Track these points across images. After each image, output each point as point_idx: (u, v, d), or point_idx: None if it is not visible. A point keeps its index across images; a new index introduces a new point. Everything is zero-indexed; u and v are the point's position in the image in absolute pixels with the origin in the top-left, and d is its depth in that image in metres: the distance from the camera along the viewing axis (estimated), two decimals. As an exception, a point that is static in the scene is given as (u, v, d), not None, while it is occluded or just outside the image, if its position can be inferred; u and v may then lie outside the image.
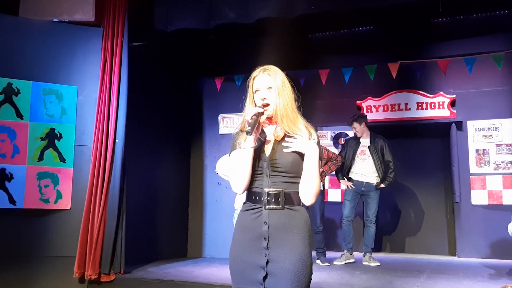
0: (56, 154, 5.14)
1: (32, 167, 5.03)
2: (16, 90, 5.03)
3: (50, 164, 5.10)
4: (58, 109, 5.19)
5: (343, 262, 5.92)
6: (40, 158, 5.06)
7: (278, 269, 2.02)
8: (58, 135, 5.16)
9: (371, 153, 5.97)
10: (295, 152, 2.13)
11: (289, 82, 2.24)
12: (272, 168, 2.12)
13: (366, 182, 6.00)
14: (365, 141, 6.07)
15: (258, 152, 2.16)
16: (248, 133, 2.07)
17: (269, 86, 2.18)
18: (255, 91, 2.21)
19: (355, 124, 6.06)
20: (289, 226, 2.08)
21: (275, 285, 2.02)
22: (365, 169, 5.99)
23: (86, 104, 5.29)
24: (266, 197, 2.10)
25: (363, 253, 6.05)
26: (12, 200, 4.91)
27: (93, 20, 5.30)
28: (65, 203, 5.13)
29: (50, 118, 5.15)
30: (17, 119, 5.02)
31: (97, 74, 5.29)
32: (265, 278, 2.04)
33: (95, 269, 4.96)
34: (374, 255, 6.08)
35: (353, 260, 6.02)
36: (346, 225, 6.02)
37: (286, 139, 2.16)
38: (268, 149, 2.18)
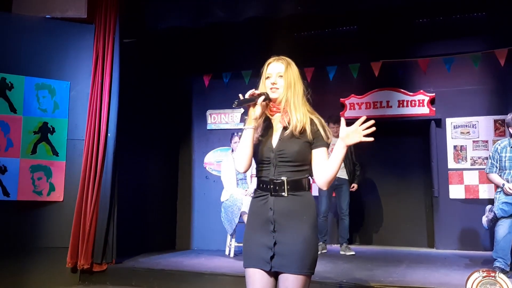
0: (49, 147, 5.26)
1: (25, 160, 5.15)
2: (9, 85, 5.14)
3: (43, 157, 5.22)
4: (51, 103, 5.31)
5: (319, 252, 6.23)
6: (33, 151, 5.18)
7: (284, 250, 2.18)
8: (51, 129, 5.28)
9: None
10: (302, 141, 2.26)
11: (301, 76, 2.36)
12: (279, 158, 2.25)
13: (338, 177, 6.32)
14: (333, 140, 6.37)
15: (266, 144, 2.30)
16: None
17: (281, 74, 2.30)
18: (267, 77, 2.33)
19: (338, 125, 6.38)
20: (293, 211, 2.23)
21: (281, 264, 2.18)
22: None
23: (79, 99, 5.41)
24: (271, 185, 2.25)
25: (339, 244, 6.42)
26: (5, 192, 5.02)
27: (85, 17, 5.44)
28: (58, 195, 5.26)
29: (43, 112, 5.27)
30: (11, 113, 5.13)
31: (89, 70, 5.42)
32: (272, 257, 2.20)
33: (88, 259, 5.11)
34: (357, 247, 6.37)
35: (326, 251, 6.41)
36: (322, 220, 6.39)
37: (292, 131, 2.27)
38: (275, 141, 2.30)
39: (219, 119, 7.11)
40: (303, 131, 2.27)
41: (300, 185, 2.27)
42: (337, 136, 6.62)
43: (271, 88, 2.31)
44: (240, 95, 2.29)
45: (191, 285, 4.79)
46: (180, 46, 7.03)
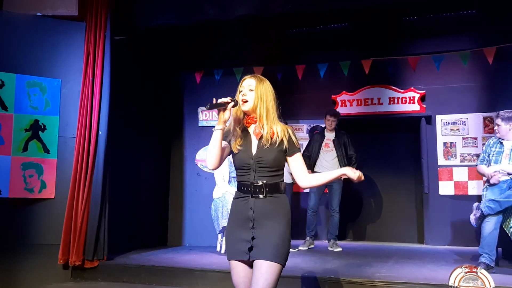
0: (40, 145, 5.28)
1: (16, 158, 5.17)
2: (0, 83, 5.15)
3: (35, 155, 5.25)
4: (42, 101, 5.33)
5: (307, 248, 6.38)
6: (25, 148, 5.20)
7: (261, 243, 2.47)
8: (42, 127, 5.31)
9: (335, 147, 6.42)
10: (277, 150, 2.54)
11: (273, 92, 2.63)
12: (258, 164, 2.54)
13: None
14: (330, 135, 6.51)
15: (246, 151, 2.57)
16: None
17: (251, 88, 2.58)
18: (240, 91, 2.61)
19: (333, 118, 6.43)
20: (270, 211, 2.52)
21: (258, 254, 2.46)
22: (329, 162, 6.39)
23: (70, 97, 5.44)
24: (252, 188, 2.53)
25: (327, 240, 6.50)
26: (-3, 190, 5.06)
27: (76, 15, 5.45)
28: (49, 193, 5.29)
29: (34, 110, 5.29)
30: (2, 111, 5.14)
31: (80, 68, 5.43)
32: (250, 249, 2.48)
33: (79, 256, 5.14)
34: (347, 242, 6.43)
35: (313, 246, 6.50)
36: (310, 215, 6.48)
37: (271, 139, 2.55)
38: (254, 149, 2.58)
39: (211, 116, 7.14)
40: (277, 141, 2.55)
41: (277, 188, 2.57)
42: (332, 129, 6.62)
43: (242, 100, 2.58)
44: (214, 99, 2.51)
45: (182, 281, 4.84)
46: (171, 43, 7.05)
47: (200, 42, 7.01)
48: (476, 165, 5.15)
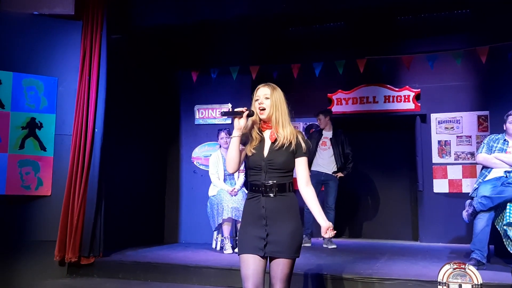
0: (37, 142, 5.33)
1: (13, 155, 5.21)
2: (-3, 81, 5.21)
3: (31, 152, 5.29)
4: (39, 99, 5.37)
5: (303, 245, 6.33)
6: (21, 146, 5.25)
7: (275, 240, 2.70)
8: (39, 124, 5.35)
9: (332, 145, 6.49)
10: (288, 153, 2.74)
11: (285, 98, 2.82)
12: (269, 166, 2.74)
13: (325, 173, 6.47)
14: (327, 134, 6.59)
15: (258, 154, 2.77)
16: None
17: (267, 96, 2.77)
18: (256, 99, 2.80)
19: (321, 116, 6.53)
20: (281, 208, 2.74)
21: (273, 250, 2.70)
22: (325, 160, 6.45)
23: (66, 95, 5.48)
24: (263, 188, 2.74)
25: (322, 237, 6.49)
26: (-6, 187, 5.10)
27: (73, 13, 5.49)
28: (46, 190, 5.33)
29: (31, 108, 5.33)
30: (-1, 108, 5.20)
31: (76, 66, 5.47)
32: (265, 246, 2.70)
33: (75, 253, 5.19)
34: (343, 240, 6.48)
35: (309, 245, 6.51)
36: (307, 212, 6.45)
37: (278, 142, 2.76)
38: (266, 151, 2.78)
39: (207, 114, 7.18)
40: (289, 144, 2.75)
41: (285, 188, 2.77)
42: (326, 127, 6.66)
43: (259, 108, 2.78)
44: (230, 108, 2.62)
45: (177, 278, 4.89)
46: (167, 41, 7.09)
47: (196, 41, 7.06)
48: (479, 153, 5.13)
